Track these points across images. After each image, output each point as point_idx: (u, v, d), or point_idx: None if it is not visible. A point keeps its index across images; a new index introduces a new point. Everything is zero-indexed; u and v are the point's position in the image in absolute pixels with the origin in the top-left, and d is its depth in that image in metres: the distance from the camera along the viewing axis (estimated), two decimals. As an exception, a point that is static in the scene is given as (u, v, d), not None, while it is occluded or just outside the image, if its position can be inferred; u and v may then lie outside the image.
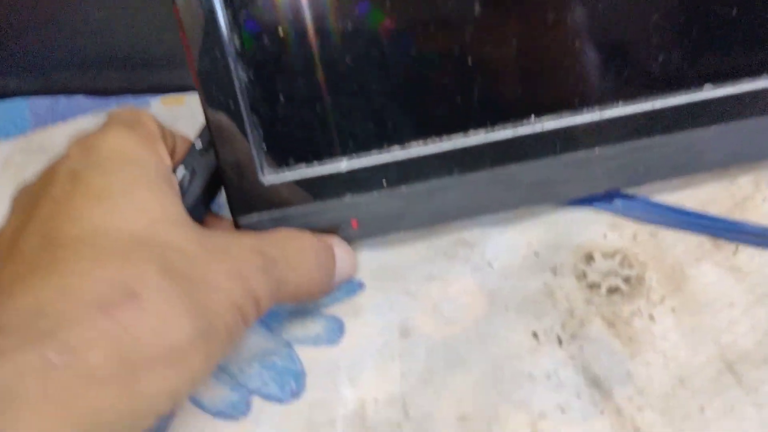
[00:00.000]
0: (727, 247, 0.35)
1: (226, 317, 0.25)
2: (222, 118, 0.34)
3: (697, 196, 0.38)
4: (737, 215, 0.37)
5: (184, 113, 0.51)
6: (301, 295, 0.30)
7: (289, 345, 0.34)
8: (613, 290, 0.34)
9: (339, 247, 0.33)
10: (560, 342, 0.32)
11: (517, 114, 0.36)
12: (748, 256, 0.35)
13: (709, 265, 0.35)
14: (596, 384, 0.31)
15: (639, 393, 0.30)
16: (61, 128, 0.51)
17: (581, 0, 0.35)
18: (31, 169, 0.48)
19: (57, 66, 0.55)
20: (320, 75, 0.35)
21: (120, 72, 0.54)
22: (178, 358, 0.22)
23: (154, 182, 0.26)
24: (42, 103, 0.54)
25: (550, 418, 0.30)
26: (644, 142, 0.37)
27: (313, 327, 0.35)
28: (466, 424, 0.30)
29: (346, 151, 0.36)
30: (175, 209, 0.26)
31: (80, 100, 0.54)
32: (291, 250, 0.30)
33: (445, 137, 0.36)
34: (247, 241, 0.28)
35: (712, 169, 0.39)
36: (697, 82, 0.37)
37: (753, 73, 0.37)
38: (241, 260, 0.26)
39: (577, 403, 0.30)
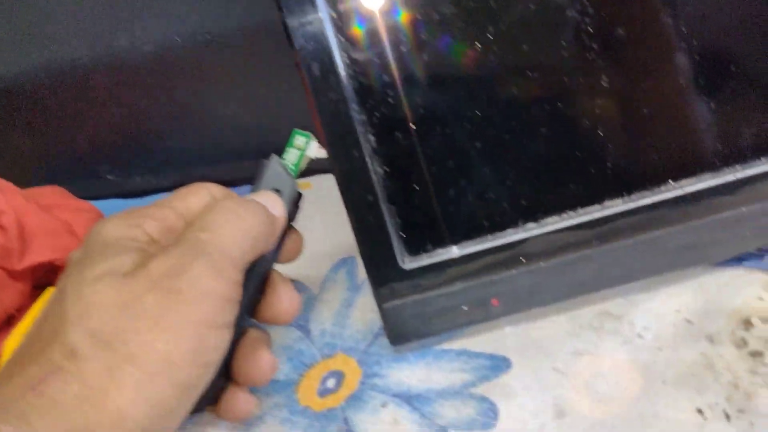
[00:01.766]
0: None
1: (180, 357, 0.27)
2: (362, 212, 0.36)
3: None
4: None
5: (311, 196, 0.54)
6: (253, 247, 0.31)
7: (444, 431, 0.34)
8: (779, 358, 0.32)
9: (259, 197, 0.34)
10: (728, 418, 0.31)
11: (654, 180, 0.36)
12: None
13: None
14: (775, 464, 0.29)
15: (825, 472, 0.28)
16: (202, 220, 0.55)
17: (715, 60, 0.34)
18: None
19: (193, 162, 0.59)
20: (452, 162, 0.36)
21: (252, 162, 0.57)
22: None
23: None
24: (182, 197, 0.58)
25: (729, 504, 0.28)
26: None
27: (466, 410, 0.35)
28: None
29: (483, 232, 0.37)
30: None
31: (216, 191, 0.58)
32: (220, 226, 0.30)
33: (580, 210, 0.36)
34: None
35: None
36: None
37: None
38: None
39: (757, 486, 0.29)
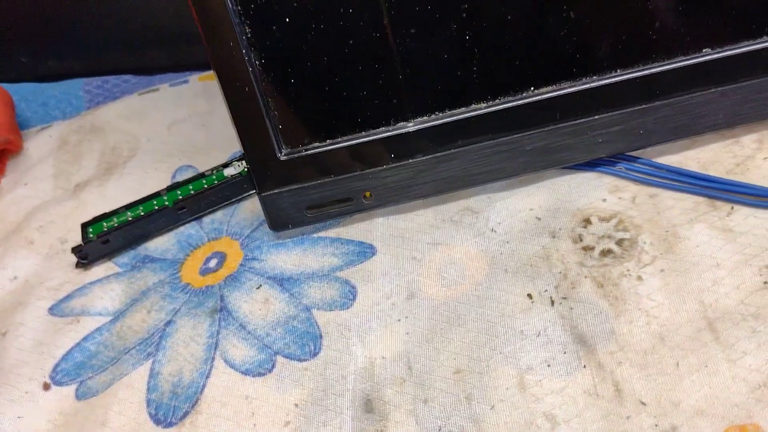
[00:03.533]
0: (723, 208, 0.37)
1: None
2: (240, 104, 0.38)
3: (699, 156, 0.39)
4: (738, 175, 0.38)
5: (214, 89, 0.55)
6: None
7: (308, 310, 0.38)
8: (605, 253, 0.36)
9: None
10: (552, 303, 0.35)
11: (517, 86, 0.38)
12: (743, 216, 0.36)
13: (702, 226, 0.36)
14: (582, 341, 0.33)
15: (620, 349, 0.33)
16: (112, 107, 0.56)
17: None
18: (85, 147, 0.53)
19: (106, 48, 0.59)
20: (327, 59, 0.37)
21: (163, 50, 0.58)
22: None
23: None
24: (94, 83, 0.58)
25: (536, 371, 0.33)
26: (643, 107, 0.38)
27: (329, 292, 0.38)
28: (461, 377, 0.33)
29: (357, 128, 0.39)
30: None
31: (128, 78, 0.59)
32: None
33: (447, 111, 0.39)
34: None
35: (716, 130, 0.39)
36: (695, 47, 0.37)
37: (751, 35, 0.37)
38: None
39: (562, 358, 0.33)
